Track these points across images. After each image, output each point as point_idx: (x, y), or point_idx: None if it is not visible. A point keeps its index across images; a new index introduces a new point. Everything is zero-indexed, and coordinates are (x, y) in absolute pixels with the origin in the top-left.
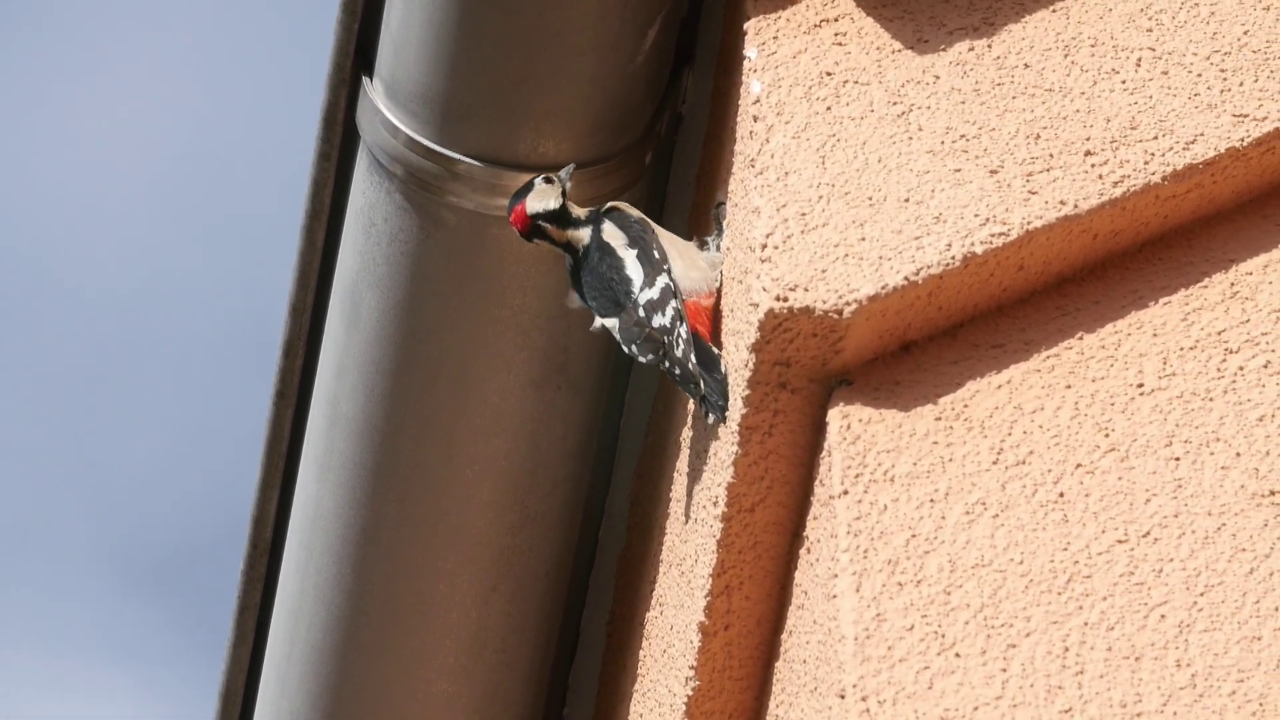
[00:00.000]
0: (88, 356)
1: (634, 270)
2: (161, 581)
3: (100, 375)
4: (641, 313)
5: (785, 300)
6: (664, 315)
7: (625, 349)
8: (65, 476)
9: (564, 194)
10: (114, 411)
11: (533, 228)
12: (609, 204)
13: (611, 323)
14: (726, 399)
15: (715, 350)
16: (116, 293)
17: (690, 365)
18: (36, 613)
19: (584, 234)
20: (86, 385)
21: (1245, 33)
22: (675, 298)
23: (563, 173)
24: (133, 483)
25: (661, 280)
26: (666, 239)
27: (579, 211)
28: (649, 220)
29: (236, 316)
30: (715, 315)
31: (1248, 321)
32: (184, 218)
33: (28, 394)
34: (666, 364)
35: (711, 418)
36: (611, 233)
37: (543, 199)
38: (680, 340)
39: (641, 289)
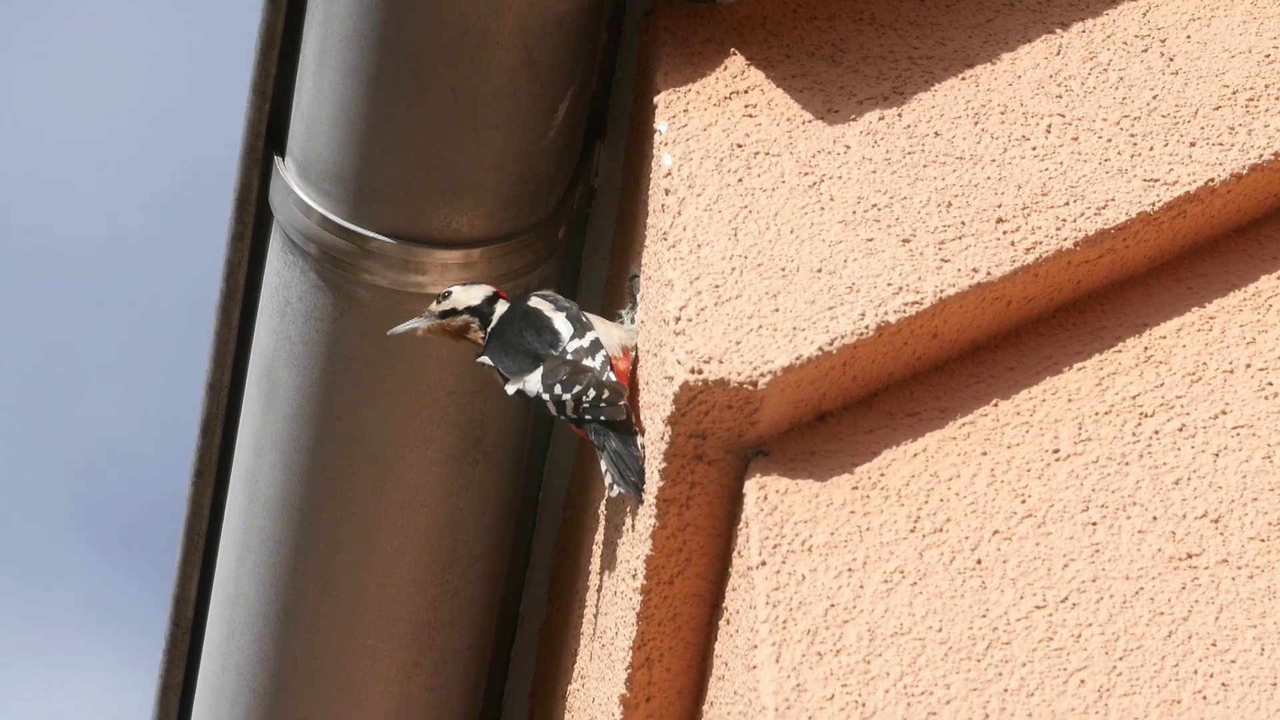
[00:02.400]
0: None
1: (563, 326)
2: (132, 542)
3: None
4: (570, 356)
5: (700, 373)
6: (594, 360)
7: (546, 394)
8: (33, 437)
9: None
10: (80, 374)
11: (463, 318)
12: (538, 291)
13: (532, 377)
14: (642, 476)
15: (633, 424)
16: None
17: (622, 390)
18: (6, 576)
19: (500, 310)
20: (53, 345)
21: (1154, 97)
22: (603, 349)
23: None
24: (100, 443)
25: (591, 334)
26: (590, 315)
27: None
28: (575, 304)
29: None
30: (631, 388)
31: (1162, 385)
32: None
33: None
34: (592, 393)
35: (618, 493)
36: (539, 303)
37: (470, 295)
38: (609, 374)
39: (571, 339)
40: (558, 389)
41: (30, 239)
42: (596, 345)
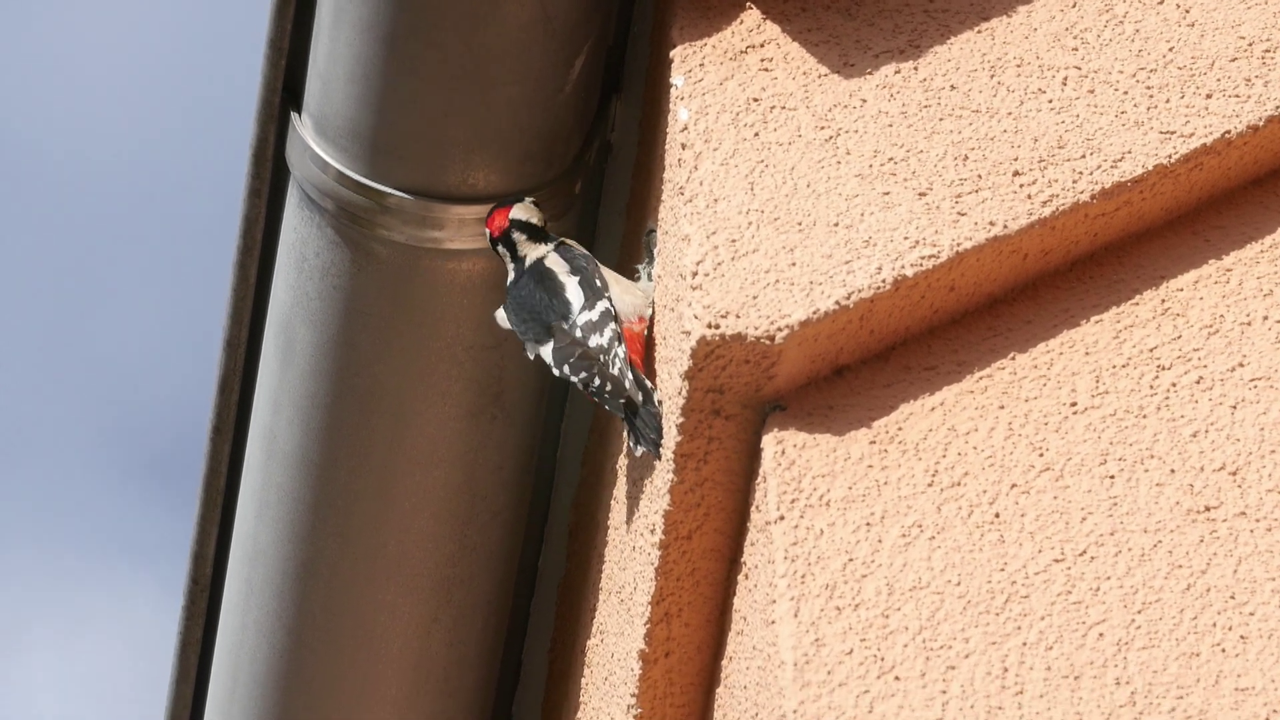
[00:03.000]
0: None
1: (574, 294)
2: (160, 470)
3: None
4: (579, 333)
5: (717, 327)
6: (602, 336)
7: (556, 371)
8: (61, 368)
9: (546, 224)
10: (108, 303)
11: (505, 232)
12: (559, 239)
13: (545, 349)
14: (660, 432)
15: (649, 383)
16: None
17: (627, 383)
18: (35, 507)
19: (538, 252)
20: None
21: (1170, 49)
22: (614, 321)
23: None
24: (128, 373)
25: (601, 304)
26: (606, 272)
27: (550, 239)
28: (592, 257)
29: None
30: (648, 347)
31: (1179, 338)
32: (117, 252)
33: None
34: (598, 382)
35: (641, 451)
36: (554, 261)
37: (527, 212)
38: (617, 359)
39: (581, 310)
40: (566, 369)
41: (58, 190)
42: (607, 317)
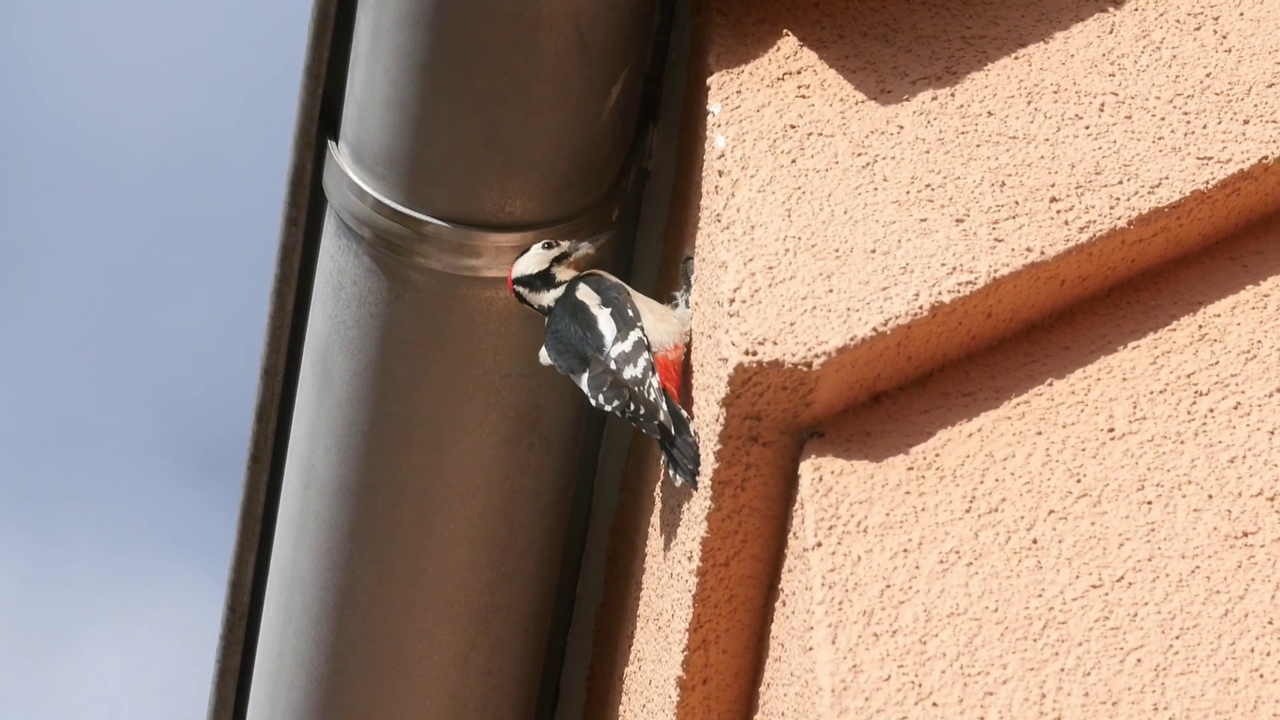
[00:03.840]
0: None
1: (606, 326)
2: (213, 466)
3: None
4: (613, 364)
5: (754, 354)
6: (635, 367)
7: (592, 400)
8: (123, 369)
9: (557, 260)
10: (166, 303)
11: (515, 291)
12: (590, 270)
13: (582, 379)
14: (697, 461)
15: (684, 413)
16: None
17: (662, 413)
18: (92, 503)
19: (555, 294)
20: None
21: (1207, 75)
22: (647, 350)
23: (572, 244)
24: (182, 369)
25: (634, 335)
26: (639, 300)
27: (564, 276)
28: (625, 285)
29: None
30: (684, 374)
31: (1217, 364)
32: (156, 279)
33: (78, 290)
34: (633, 408)
35: (681, 480)
36: (586, 293)
37: (526, 264)
38: (651, 389)
39: (614, 342)
40: (601, 399)
41: (114, 205)
42: (639, 348)
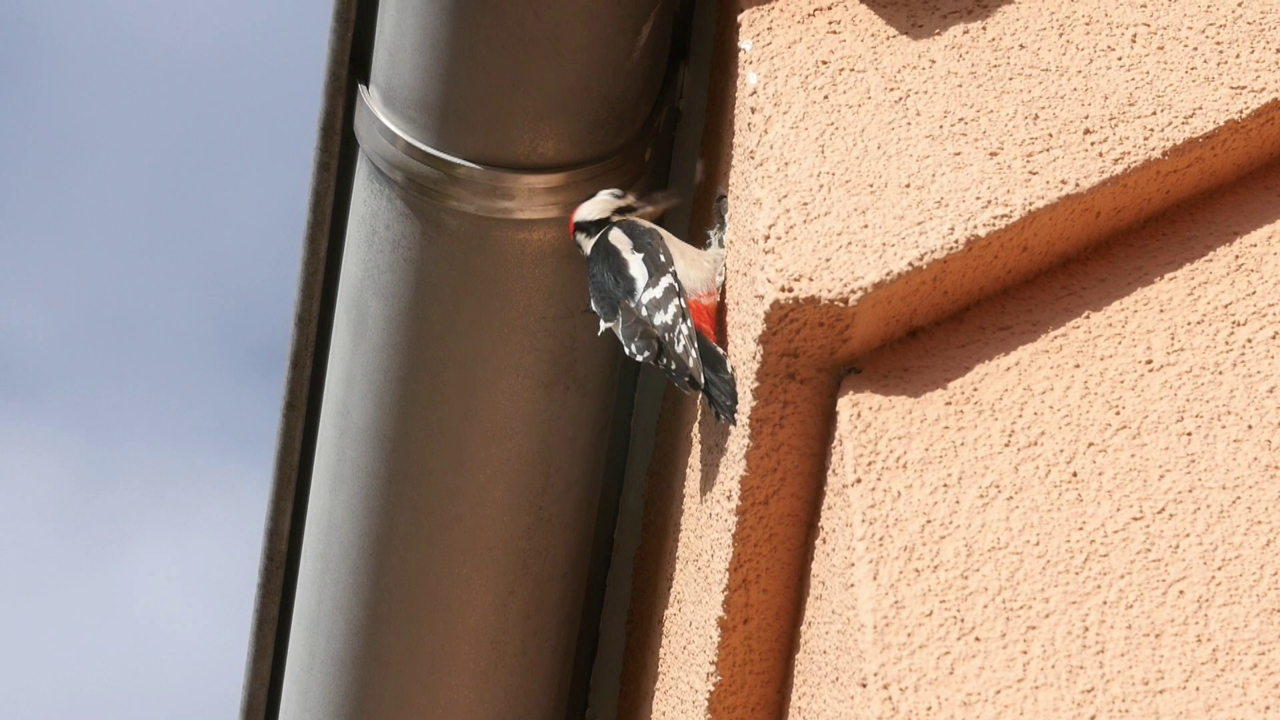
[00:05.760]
0: None
1: (638, 271)
2: (266, 365)
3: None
4: (644, 311)
5: (790, 291)
6: (666, 313)
7: (625, 348)
8: (172, 268)
9: (620, 211)
10: (215, 198)
11: (574, 234)
12: (623, 217)
13: (614, 325)
14: (735, 399)
15: (720, 350)
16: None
17: (690, 361)
18: (148, 405)
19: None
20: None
21: (1240, 4)
22: (679, 296)
23: (639, 201)
24: (239, 266)
25: (665, 280)
26: (672, 243)
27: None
28: (658, 229)
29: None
30: (720, 313)
31: (1254, 294)
32: (187, 223)
33: (133, 181)
34: (664, 360)
35: (720, 418)
36: (618, 237)
37: (590, 209)
38: (681, 336)
39: (645, 289)
40: (633, 348)
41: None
42: (670, 293)
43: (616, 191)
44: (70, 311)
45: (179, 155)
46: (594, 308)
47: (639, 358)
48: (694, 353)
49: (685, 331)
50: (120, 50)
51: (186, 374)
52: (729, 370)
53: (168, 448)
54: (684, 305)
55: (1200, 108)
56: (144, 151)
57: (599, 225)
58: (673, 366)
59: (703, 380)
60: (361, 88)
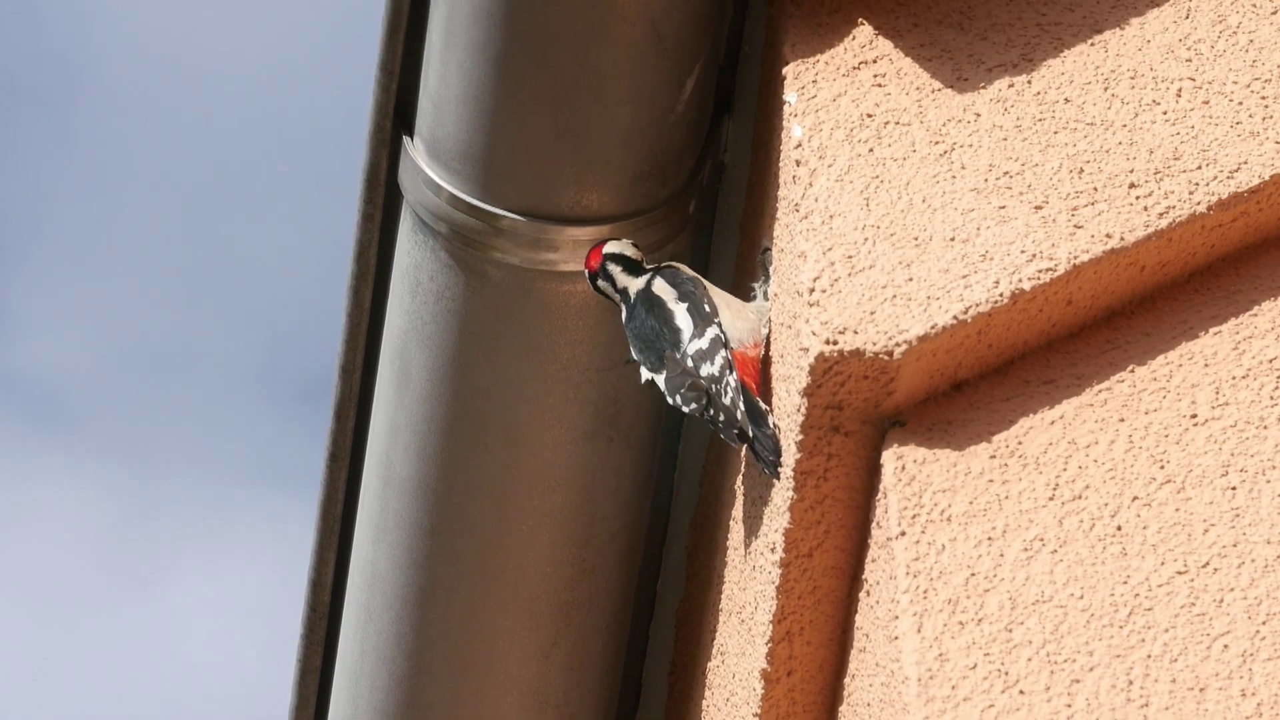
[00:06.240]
0: None
1: (684, 321)
2: (313, 401)
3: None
4: (690, 363)
5: (835, 343)
6: (713, 364)
7: (670, 400)
8: (219, 296)
9: (643, 260)
10: (260, 234)
11: (601, 266)
12: (666, 263)
13: (659, 376)
14: (778, 453)
15: (763, 405)
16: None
17: (739, 414)
18: (192, 437)
19: (639, 283)
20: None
21: None
22: (724, 348)
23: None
24: (284, 300)
25: (711, 331)
26: (716, 294)
27: (647, 268)
28: (701, 279)
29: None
30: (764, 366)
31: None
32: (233, 258)
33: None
34: (711, 412)
35: (765, 473)
36: (662, 287)
37: (622, 246)
38: (729, 389)
39: (691, 339)
40: (679, 399)
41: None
42: (717, 344)
43: (634, 243)
44: (115, 345)
45: (225, 192)
46: (636, 357)
47: (686, 409)
48: (740, 407)
49: (732, 384)
50: (170, 86)
51: (230, 408)
52: (771, 425)
53: (210, 480)
54: (729, 358)
55: (1245, 162)
56: (190, 189)
57: (634, 266)
58: (721, 418)
59: (755, 425)
60: (406, 139)
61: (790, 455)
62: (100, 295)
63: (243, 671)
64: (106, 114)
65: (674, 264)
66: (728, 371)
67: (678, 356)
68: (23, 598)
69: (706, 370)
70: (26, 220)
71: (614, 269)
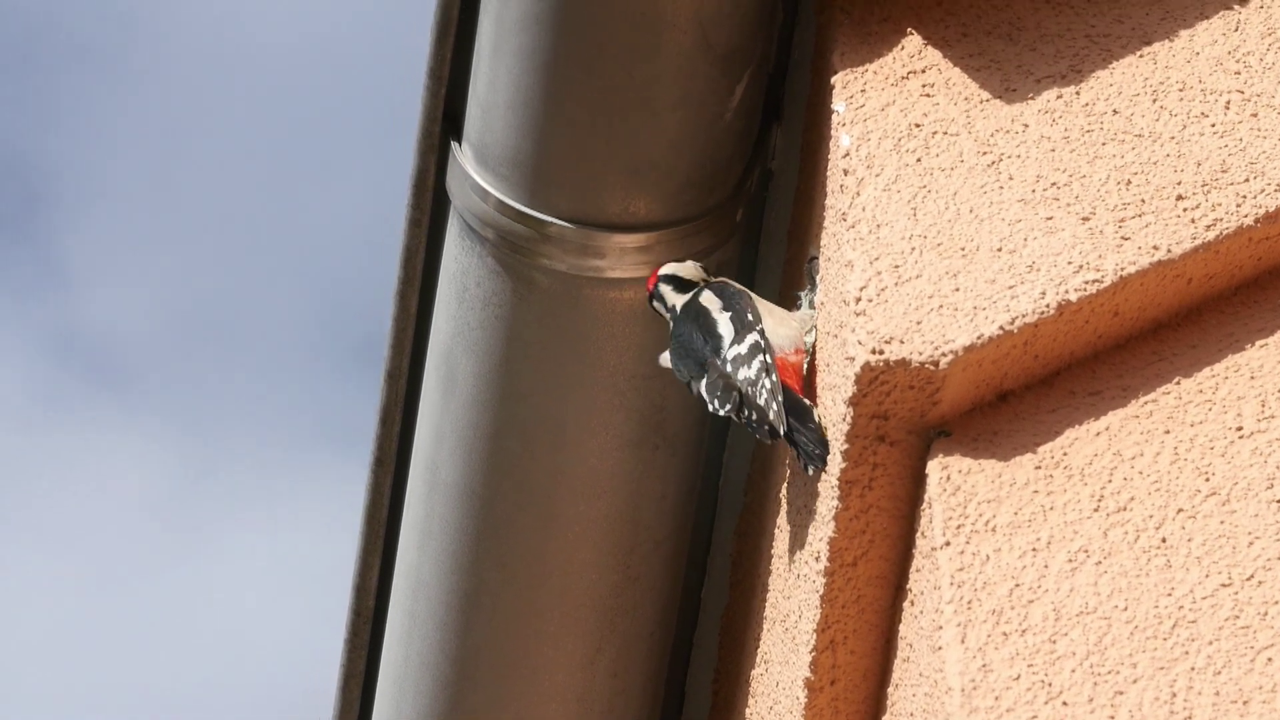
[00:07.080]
0: None
1: (725, 329)
2: (367, 361)
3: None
4: (727, 366)
5: (881, 353)
6: (750, 368)
7: (709, 405)
8: (276, 257)
9: (703, 278)
10: (318, 195)
11: (654, 289)
12: (716, 278)
13: (701, 385)
14: (825, 447)
15: (807, 402)
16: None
17: (771, 413)
18: (246, 398)
19: (685, 298)
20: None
21: None
22: (764, 352)
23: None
24: (341, 262)
25: (751, 337)
26: (761, 304)
27: (698, 283)
28: (748, 291)
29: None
30: (809, 375)
31: None
32: (290, 220)
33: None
34: (745, 412)
35: (811, 469)
36: (709, 299)
37: (679, 267)
38: (764, 390)
39: (730, 345)
40: (715, 403)
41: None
42: (756, 349)
43: (703, 264)
44: (173, 305)
45: (283, 158)
46: (674, 366)
47: (720, 411)
48: (775, 404)
49: (769, 385)
50: (232, 53)
51: (286, 368)
52: (816, 419)
53: (267, 440)
54: (769, 361)
55: None
56: (249, 148)
57: (686, 285)
58: (753, 417)
59: (783, 430)
60: (454, 145)
61: (835, 464)
62: (160, 253)
63: (296, 630)
64: (171, 75)
65: (723, 278)
66: (765, 374)
67: (717, 362)
68: (80, 553)
69: (743, 374)
70: (88, 178)
71: (665, 289)
